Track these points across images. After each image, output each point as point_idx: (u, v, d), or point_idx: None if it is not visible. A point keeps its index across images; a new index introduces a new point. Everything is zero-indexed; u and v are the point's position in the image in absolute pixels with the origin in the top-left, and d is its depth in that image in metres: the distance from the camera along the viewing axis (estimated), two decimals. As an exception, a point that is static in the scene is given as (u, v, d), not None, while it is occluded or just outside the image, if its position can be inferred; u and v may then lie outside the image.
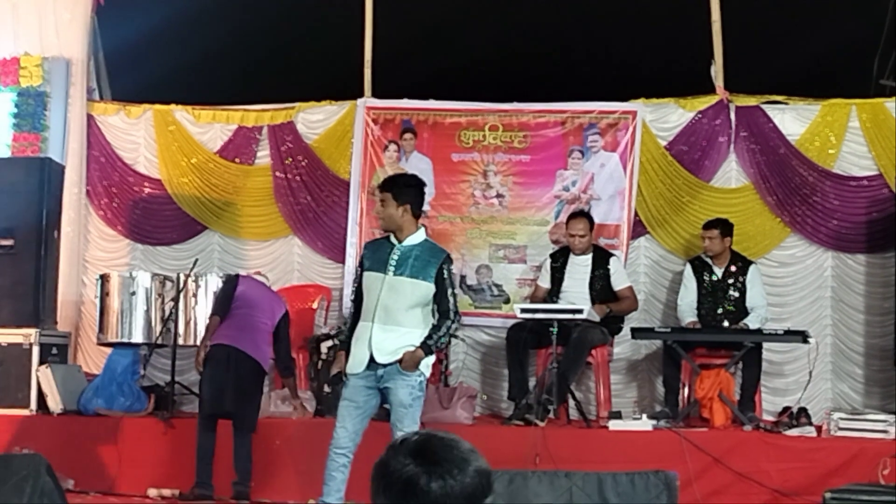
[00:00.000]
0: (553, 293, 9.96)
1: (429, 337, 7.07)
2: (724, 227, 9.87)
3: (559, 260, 10.08)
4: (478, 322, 10.70)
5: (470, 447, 2.97)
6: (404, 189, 7.18)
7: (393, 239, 7.17)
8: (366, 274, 7.17)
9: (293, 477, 8.86)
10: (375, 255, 7.17)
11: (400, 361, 7.03)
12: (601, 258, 9.97)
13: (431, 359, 7.22)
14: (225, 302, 8.94)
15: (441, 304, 7.10)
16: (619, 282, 9.91)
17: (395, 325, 7.05)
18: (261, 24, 12.28)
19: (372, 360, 7.04)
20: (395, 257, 7.08)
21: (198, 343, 10.14)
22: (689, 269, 10.06)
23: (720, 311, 9.82)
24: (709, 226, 9.91)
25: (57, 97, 11.28)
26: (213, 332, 8.83)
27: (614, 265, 9.94)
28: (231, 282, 9.13)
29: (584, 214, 10.08)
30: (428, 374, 7.19)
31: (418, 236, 7.18)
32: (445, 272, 7.12)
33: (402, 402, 7.00)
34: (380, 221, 7.24)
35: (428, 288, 7.06)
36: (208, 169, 11.32)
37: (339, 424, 7.10)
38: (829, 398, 10.27)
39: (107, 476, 9.16)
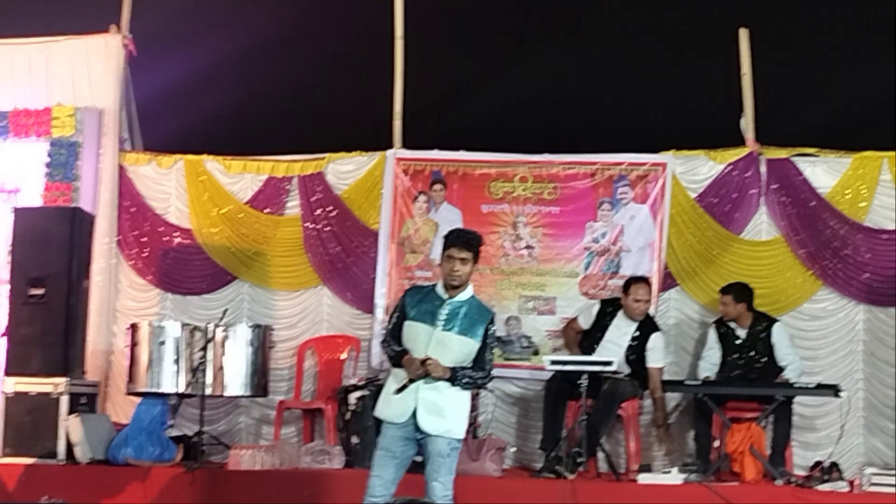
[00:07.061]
0: (590, 338, 9.92)
1: (462, 369, 6.92)
2: (737, 292, 9.84)
3: (608, 311, 10.03)
4: (507, 374, 10.61)
5: None
6: (480, 248, 7.11)
7: (441, 291, 7.04)
8: (411, 324, 7.01)
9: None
10: (422, 306, 7.02)
11: (427, 361, 6.89)
12: (646, 330, 9.89)
13: (466, 419, 7.15)
14: None
15: (478, 359, 7.01)
16: (653, 359, 9.85)
17: (440, 381, 6.97)
18: (291, 76, 12.34)
19: (415, 413, 6.95)
20: (445, 312, 6.95)
21: (226, 394, 10.18)
22: (712, 334, 10.02)
23: (753, 376, 9.75)
24: (723, 291, 9.91)
25: (89, 147, 11.36)
26: None
27: (654, 342, 9.86)
28: None
29: (646, 280, 10.05)
30: (463, 434, 7.09)
31: (468, 293, 7.07)
32: (490, 332, 7.05)
33: (440, 453, 6.88)
34: (453, 279, 6.93)
35: (474, 346, 6.95)
36: (238, 219, 11.35)
37: (374, 474, 6.96)
38: (862, 453, 10.16)
39: (134, 526, 9.16)
